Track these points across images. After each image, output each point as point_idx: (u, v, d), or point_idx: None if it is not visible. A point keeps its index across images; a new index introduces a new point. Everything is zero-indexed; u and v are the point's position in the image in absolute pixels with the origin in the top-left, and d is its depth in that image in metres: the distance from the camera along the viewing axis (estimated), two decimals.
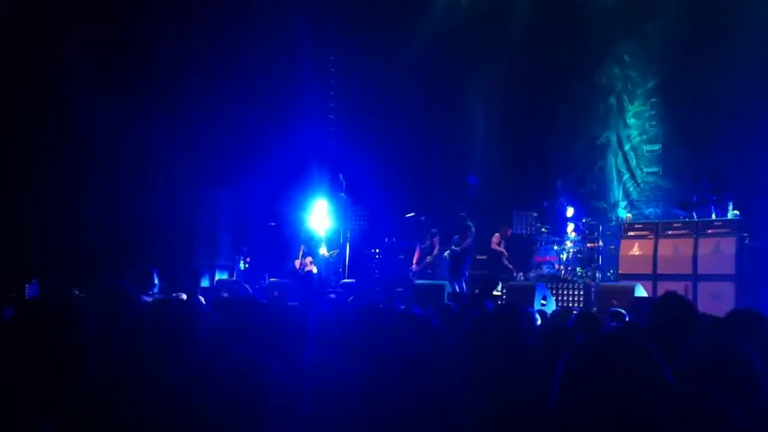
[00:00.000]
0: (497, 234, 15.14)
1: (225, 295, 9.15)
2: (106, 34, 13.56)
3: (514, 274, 14.72)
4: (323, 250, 15.09)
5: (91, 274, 12.73)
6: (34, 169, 12.98)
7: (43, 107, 13.07)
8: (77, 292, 8.31)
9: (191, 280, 13.84)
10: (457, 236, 14.32)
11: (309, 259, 14.82)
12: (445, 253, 14.62)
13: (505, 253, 15.05)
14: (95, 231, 13.40)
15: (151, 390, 2.14)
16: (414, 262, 15.20)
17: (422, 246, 15.18)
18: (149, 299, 5.45)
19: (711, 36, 14.35)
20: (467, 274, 14.36)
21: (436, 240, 14.96)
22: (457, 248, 14.16)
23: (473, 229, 14.27)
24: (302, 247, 15.00)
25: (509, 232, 14.95)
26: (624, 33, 16.19)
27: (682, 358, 2.65)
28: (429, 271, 15.02)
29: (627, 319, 6.78)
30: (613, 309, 7.61)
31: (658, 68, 15.75)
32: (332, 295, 13.10)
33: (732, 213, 12.11)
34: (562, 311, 9.15)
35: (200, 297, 7.39)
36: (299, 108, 16.79)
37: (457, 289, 13.48)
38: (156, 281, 6.35)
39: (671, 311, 4.00)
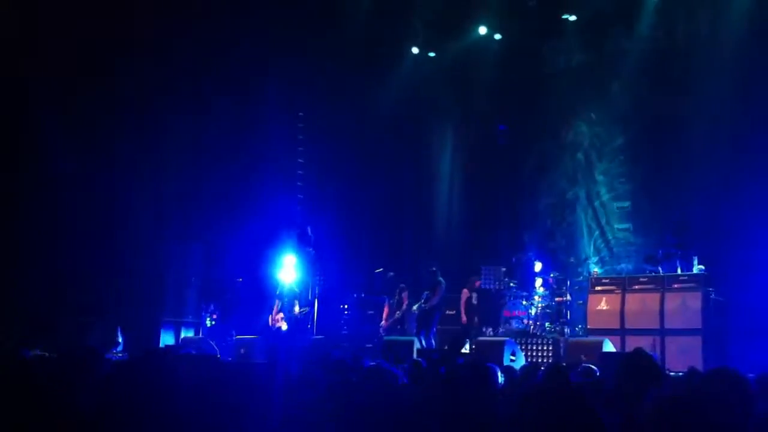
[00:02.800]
0: (465, 290, 15.08)
1: (190, 352, 9.00)
2: (80, 86, 13.53)
3: (483, 329, 14.65)
4: (296, 308, 14.87)
5: (53, 329, 12.52)
6: None
7: (9, 156, 12.94)
8: (39, 352, 8.14)
9: (155, 338, 13.60)
10: (427, 292, 14.20)
11: (280, 315, 14.60)
12: (414, 308, 14.53)
13: (464, 318, 14.97)
14: (58, 285, 13.16)
15: None
16: (384, 317, 15.11)
17: (390, 301, 15.11)
18: (114, 358, 5.36)
19: (675, 94, 14.62)
20: (435, 330, 14.26)
21: (404, 295, 14.88)
22: (426, 305, 14.08)
23: (443, 286, 14.22)
24: (277, 302, 14.79)
25: (477, 283, 14.87)
26: (590, 91, 16.42)
27: (645, 407, 2.65)
28: (398, 326, 14.92)
29: (598, 374, 6.77)
30: (583, 365, 7.60)
31: (624, 126, 15.96)
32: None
33: (697, 267, 12.23)
34: (531, 367, 9.11)
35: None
36: (268, 163, 16.82)
37: (424, 345, 13.39)
38: (120, 339, 6.27)
39: (637, 368, 4.01)
